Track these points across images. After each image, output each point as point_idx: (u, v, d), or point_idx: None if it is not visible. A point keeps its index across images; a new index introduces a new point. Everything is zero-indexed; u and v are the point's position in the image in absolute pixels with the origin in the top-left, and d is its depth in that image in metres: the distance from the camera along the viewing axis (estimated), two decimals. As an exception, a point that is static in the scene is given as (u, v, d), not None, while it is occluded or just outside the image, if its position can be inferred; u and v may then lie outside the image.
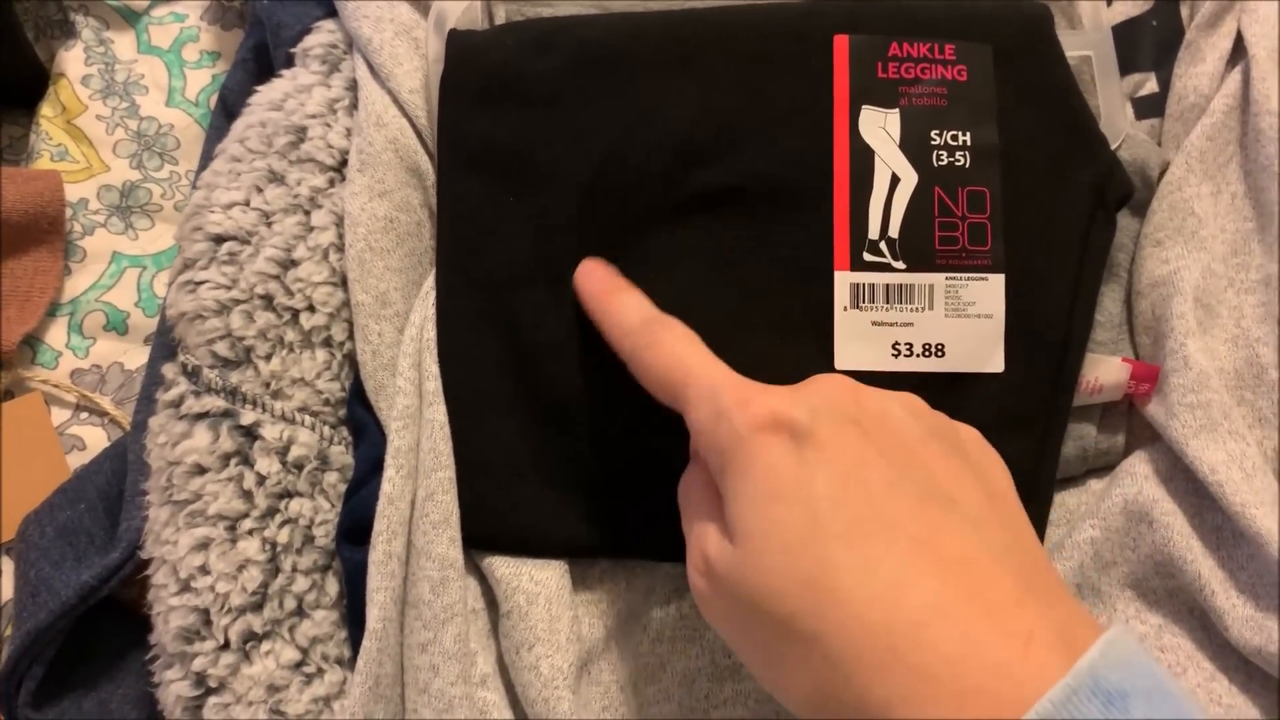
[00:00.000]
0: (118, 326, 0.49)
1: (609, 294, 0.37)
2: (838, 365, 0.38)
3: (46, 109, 0.52)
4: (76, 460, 0.47)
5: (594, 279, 0.38)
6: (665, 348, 0.34)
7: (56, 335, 0.48)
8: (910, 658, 0.25)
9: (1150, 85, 0.46)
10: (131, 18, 0.55)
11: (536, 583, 0.38)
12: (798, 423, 0.29)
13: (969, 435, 0.33)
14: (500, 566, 0.38)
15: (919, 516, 0.28)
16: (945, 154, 0.38)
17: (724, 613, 0.30)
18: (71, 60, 0.53)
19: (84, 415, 0.48)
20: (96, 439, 0.47)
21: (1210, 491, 0.37)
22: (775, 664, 0.28)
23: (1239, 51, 0.44)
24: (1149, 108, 0.45)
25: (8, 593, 0.43)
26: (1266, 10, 0.44)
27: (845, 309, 0.38)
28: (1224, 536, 0.37)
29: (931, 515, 0.28)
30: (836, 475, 0.28)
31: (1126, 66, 0.45)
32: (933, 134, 0.39)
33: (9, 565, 0.43)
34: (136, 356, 0.49)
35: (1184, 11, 0.46)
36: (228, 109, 0.50)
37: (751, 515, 0.29)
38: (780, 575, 0.27)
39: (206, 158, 0.49)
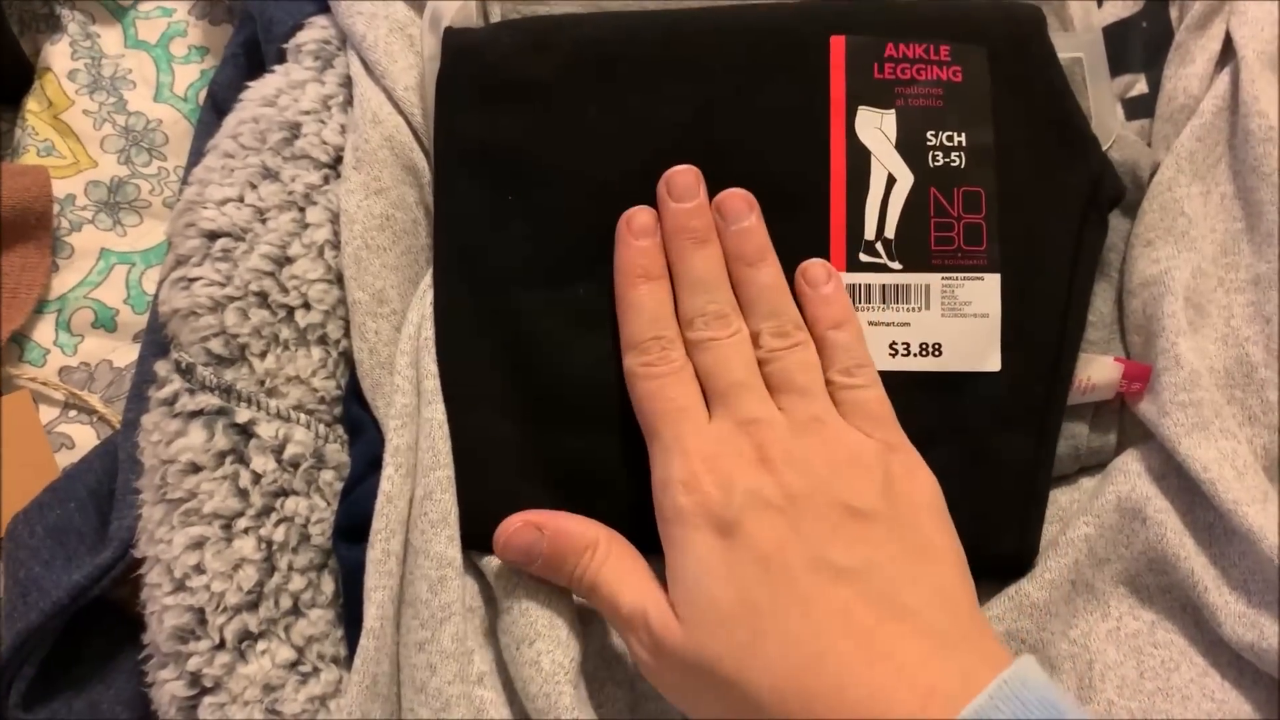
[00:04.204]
0: (106, 324, 0.49)
1: (632, 280, 0.37)
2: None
3: (32, 104, 0.52)
4: (65, 459, 0.46)
5: (626, 246, 0.38)
6: (656, 385, 0.36)
7: (44, 333, 0.48)
8: (829, 717, 0.29)
9: (1140, 86, 0.46)
10: (118, 12, 0.54)
11: (537, 578, 0.38)
12: (724, 520, 0.33)
13: (917, 487, 0.35)
14: (500, 562, 0.38)
15: (835, 590, 0.31)
16: (941, 154, 0.39)
17: (673, 682, 0.34)
18: (58, 54, 0.53)
19: (72, 413, 0.47)
20: (85, 437, 0.47)
21: (1202, 489, 0.37)
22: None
23: (1228, 53, 0.44)
24: (1139, 108, 0.46)
25: (-3, 593, 0.43)
26: (1255, 12, 0.44)
27: (843, 308, 0.38)
28: (1216, 534, 0.38)
29: (847, 588, 0.31)
30: (758, 560, 0.32)
31: (1117, 67, 0.45)
32: (929, 134, 0.39)
33: (-2, 565, 0.43)
34: (125, 354, 0.48)
35: (1173, 13, 0.46)
36: (217, 105, 0.49)
37: (690, 597, 0.33)
38: (720, 644, 0.31)
39: (196, 154, 0.49)
